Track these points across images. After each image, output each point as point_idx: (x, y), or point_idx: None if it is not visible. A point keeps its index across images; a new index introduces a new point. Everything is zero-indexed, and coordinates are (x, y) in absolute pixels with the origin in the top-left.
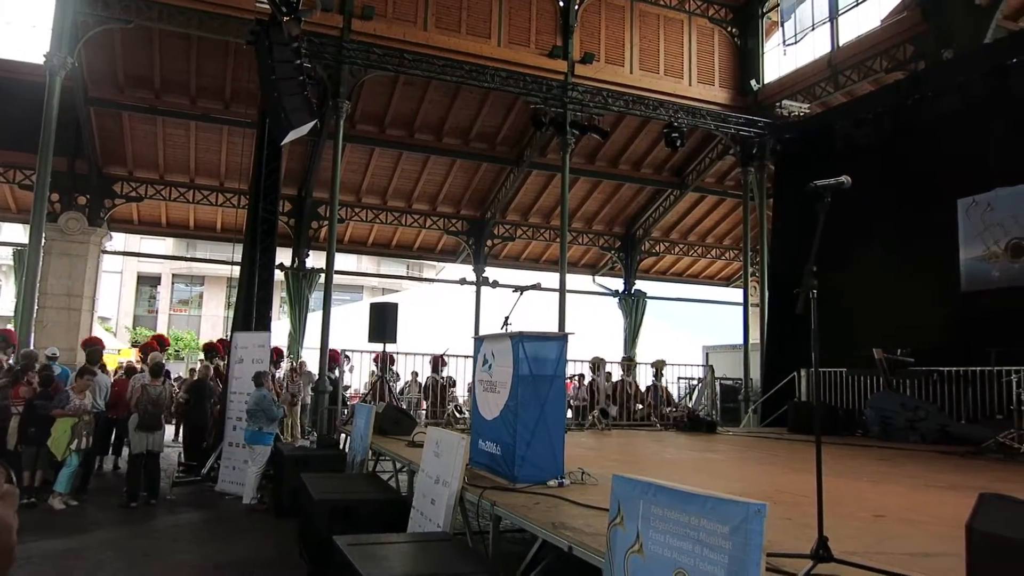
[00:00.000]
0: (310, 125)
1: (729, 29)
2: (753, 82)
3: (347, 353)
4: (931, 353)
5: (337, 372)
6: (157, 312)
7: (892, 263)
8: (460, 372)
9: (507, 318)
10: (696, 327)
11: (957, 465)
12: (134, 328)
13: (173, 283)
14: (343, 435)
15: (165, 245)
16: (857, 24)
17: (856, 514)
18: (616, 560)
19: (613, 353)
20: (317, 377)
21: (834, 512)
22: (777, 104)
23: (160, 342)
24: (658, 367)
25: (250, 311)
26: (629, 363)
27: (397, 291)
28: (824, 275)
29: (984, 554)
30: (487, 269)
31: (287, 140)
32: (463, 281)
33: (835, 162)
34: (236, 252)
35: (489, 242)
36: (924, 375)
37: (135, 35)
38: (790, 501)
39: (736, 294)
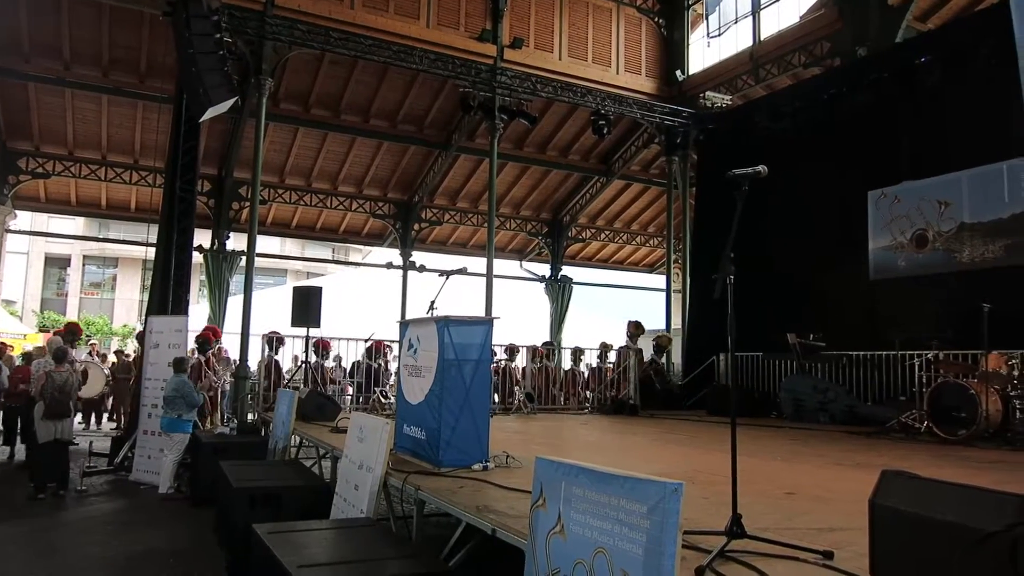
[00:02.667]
0: (230, 102)
1: (656, 20)
2: (678, 73)
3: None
4: (841, 338)
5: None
6: (67, 295)
7: (807, 251)
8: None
9: (433, 302)
10: (621, 312)
11: (863, 444)
12: (42, 312)
13: (84, 265)
14: (265, 422)
15: (75, 225)
16: (778, 19)
17: (769, 492)
18: (538, 542)
19: (539, 338)
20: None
21: (748, 490)
22: (701, 95)
23: (71, 331)
24: (663, 343)
25: (166, 294)
26: (549, 348)
27: (322, 275)
28: (742, 262)
29: (885, 527)
30: (414, 253)
31: (206, 117)
32: (390, 265)
33: (755, 153)
34: (152, 233)
35: (416, 226)
36: (835, 359)
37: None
38: (708, 480)
39: (659, 280)
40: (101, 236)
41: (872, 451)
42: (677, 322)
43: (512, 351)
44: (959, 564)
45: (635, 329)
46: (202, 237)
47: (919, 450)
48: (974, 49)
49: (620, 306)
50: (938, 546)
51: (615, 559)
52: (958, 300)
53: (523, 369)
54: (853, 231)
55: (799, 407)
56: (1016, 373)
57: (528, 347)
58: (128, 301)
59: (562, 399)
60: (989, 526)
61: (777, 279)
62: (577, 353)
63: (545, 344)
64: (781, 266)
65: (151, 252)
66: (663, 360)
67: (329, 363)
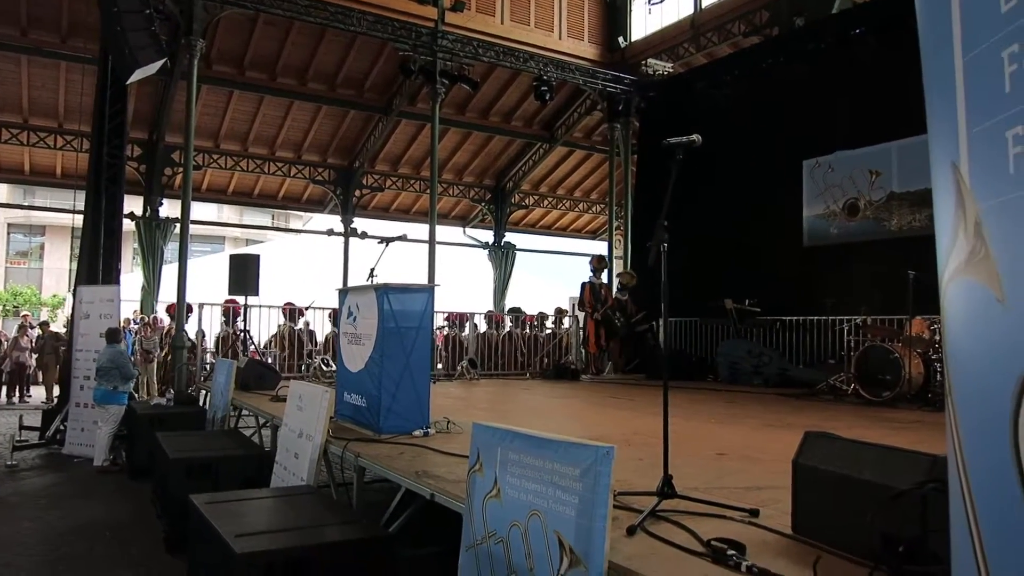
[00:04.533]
0: (158, 64)
1: None
2: (620, 39)
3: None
4: (776, 303)
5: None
6: None
7: (743, 219)
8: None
9: (372, 270)
10: (564, 279)
11: (794, 406)
12: None
13: (9, 233)
14: (203, 392)
15: None
16: None
17: (701, 453)
18: (475, 506)
19: (482, 304)
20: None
21: (681, 452)
22: (643, 63)
23: None
24: (624, 281)
25: (96, 264)
26: (517, 315)
27: (261, 242)
28: (679, 229)
29: (806, 485)
30: (356, 220)
31: (133, 79)
32: (330, 232)
33: (695, 121)
34: (79, 200)
35: (357, 192)
36: (769, 324)
37: None
38: (643, 443)
39: (602, 247)
40: (26, 204)
41: (801, 412)
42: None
43: (462, 320)
44: (874, 519)
45: (598, 263)
46: (133, 204)
47: (845, 411)
48: (906, 21)
49: (563, 272)
50: (855, 503)
51: (549, 521)
52: (886, 267)
53: (465, 336)
54: (788, 199)
55: (734, 370)
56: (938, 337)
57: (486, 313)
58: (57, 270)
59: (506, 365)
60: (902, 484)
61: (714, 246)
62: (530, 318)
63: (512, 310)
64: (718, 233)
65: (79, 220)
66: (626, 297)
67: (271, 332)
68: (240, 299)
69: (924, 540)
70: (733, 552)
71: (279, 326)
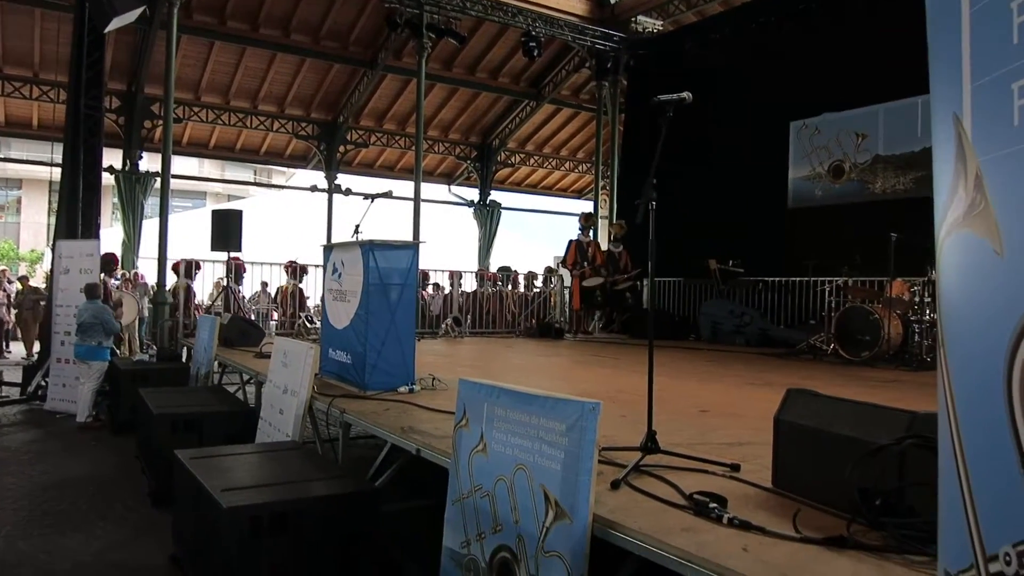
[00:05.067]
0: (137, 12)
1: None
2: None
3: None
4: (759, 264)
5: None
6: None
7: (729, 179)
8: (312, 282)
9: (357, 226)
10: (549, 238)
11: (774, 365)
12: None
13: None
14: (185, 348)
15: None
16: None
17: (685, 410)
18: (461, 460)
19: (468, 263)
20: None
21: (665, 409)
22: (632, 20)
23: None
24: (614, 232)
25: (75, 218)
26: (506, 274)
27: (244, 197)
28: (665, 188)
29: (787, 441)
30: (340, 176)
31: (111, 28)
32: (314, 188)
33: (684, 80)
34: (57, 152)
35: (342, 148)
36: (751, 284)
37: None
38: (628, 400)
39: (588, 206)
40: (2, 156)
41: (781, 371)
42: (604, 247)
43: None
44: (853, 473)
45: (586, 221)
46: (112, 157)
47: (824, 370)
48: None
49: (549, 231)
50: (835, 458)
51: (534, 475)
52: (869, 229)
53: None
54: (775, 160)
55: (716, 330)
56: (917, 299)
57: (477, 272)
58: (35, 225)
59: (490, 323)
60: (881, 439)
61: (699, 206)
62: (516, 276)
63: (502, 269)
64: (704, 193)
65: (57, 173)
66: (619, 249)
67: (255, 289)
68: (242, 256)
69: (902, 494)
70: (715, 505)
71: (279, 287)
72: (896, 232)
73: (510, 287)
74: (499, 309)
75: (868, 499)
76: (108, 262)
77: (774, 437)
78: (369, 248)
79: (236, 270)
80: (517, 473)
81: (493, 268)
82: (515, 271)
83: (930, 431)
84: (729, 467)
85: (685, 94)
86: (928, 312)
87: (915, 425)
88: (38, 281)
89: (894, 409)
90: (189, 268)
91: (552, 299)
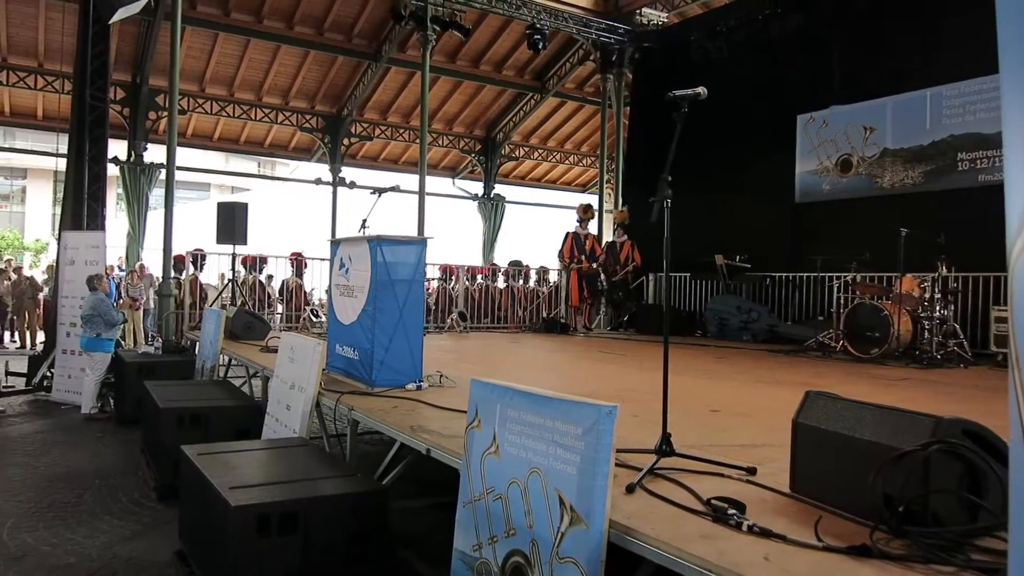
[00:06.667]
0: (142, 3)
1: None
2: None
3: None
4: (766, 259)
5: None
6: None
7: (736, 174)
8: (316, 276)
9: (365, 221)
10: (553, 232)
11: (782, 362)
12: None
13: None
14: (191, 341)
15: None
16: None
17: (695, 409)
18: (473, 462)
19: (472, 257)
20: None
21: (674, 408)
22: (638, 12)
23: None
24: (618, 219)
25: (80, 209)
26: (516, 268)
27: (248, 190)
28: (672, 183)
29: (807, 445)
30: (344, 169)
31: (115, 19)
32: (318, 181)
33: (689, 73)
34: (62, 143)
35: (346, 141)
36: (759, 280)
37: None
38: (637, 399)
39: (592, 200)
40: (7, 145)
41: (790, 369)
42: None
43: (451, 272)
44: (876, 480)
45: (584, 212)
46: (117, 148)
47: (834, 368)
48: None
49: (553, 225)
50: (856, 463)
51: (549, 479)
52: (877, 224)
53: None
54: (781, 155)
55: (723, 326)
56: (927, 295)
57: (490, 266)
58: (40, 214)
59: (496, 318)
60: (905, 445)
61: (706, 200)
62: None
63: (513, 263)
64: (710, 188)
65: (62, 163)
66: (623, 239)
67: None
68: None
69: (926, 501)
70: (734, 511)
71: (284, 280)
72: (905, 227)
73: (524, 282)
74: (510, 304)
75: (892, 506)
76: (178, 262)
77: (792, 440)
78: (377, 243)
79: (297, 265)
80: (531, 476)
81: (497, 262)
82: (527, 265)
83: (955, 437)
84: (745, 470)
85: (700, 89)
86: (938, 308)
87: (940, 430)
88: (42, 271)
89: (918, 413)
90: (196, 260)
91: (560, 294)
